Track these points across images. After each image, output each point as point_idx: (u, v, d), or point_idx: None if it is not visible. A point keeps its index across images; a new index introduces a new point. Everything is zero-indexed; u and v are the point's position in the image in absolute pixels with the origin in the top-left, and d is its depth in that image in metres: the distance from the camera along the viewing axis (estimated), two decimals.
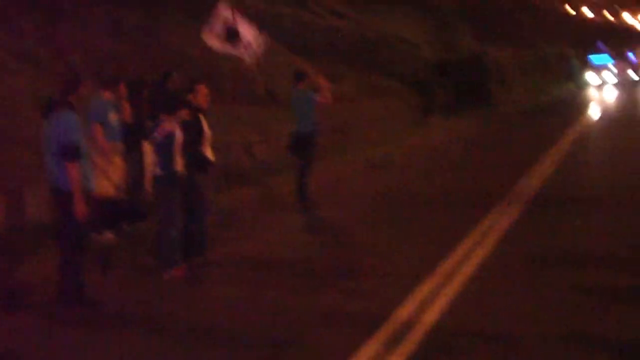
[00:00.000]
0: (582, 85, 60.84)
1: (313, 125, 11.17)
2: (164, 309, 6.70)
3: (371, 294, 6.61)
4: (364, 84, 21.62)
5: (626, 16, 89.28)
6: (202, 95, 8.14)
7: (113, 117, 8.96)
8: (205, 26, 11.14)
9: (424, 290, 6.52)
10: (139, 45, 15.14)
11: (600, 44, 69.98)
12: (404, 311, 5.95)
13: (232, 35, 11.00)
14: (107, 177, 8.58)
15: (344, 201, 12.08)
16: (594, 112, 29.07)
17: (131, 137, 9.14)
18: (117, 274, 7.84)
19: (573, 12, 74.74)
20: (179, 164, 7.56)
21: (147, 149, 8.64)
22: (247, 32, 11.21)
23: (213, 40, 11.11)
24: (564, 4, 71.08)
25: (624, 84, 62.15)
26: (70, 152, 6.41)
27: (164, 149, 7.46)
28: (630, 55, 67.93)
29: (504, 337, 5.37)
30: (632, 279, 6.37)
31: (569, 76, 59.15)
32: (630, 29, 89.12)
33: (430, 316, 5.81)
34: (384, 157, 17.03)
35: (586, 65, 64.95)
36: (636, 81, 63.66)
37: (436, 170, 15.35)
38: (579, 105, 37.94)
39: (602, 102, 37.20)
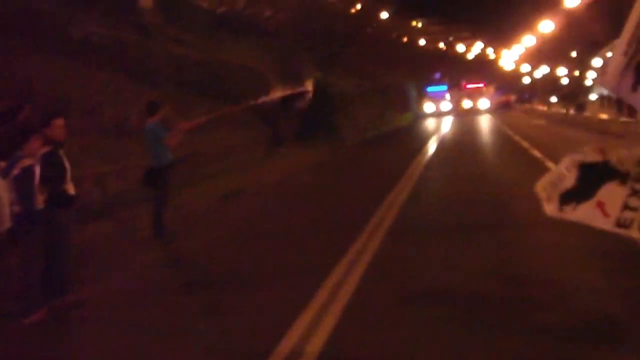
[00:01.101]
0: (420, 114, 63.67)
1: (168, 157, 11.10)
2: (22, 357, 6.46)
3: (247, 330, 6.49)
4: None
5: (460, 47, 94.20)
6: (58, 128, 7.90)
7: None
8: None
9: (304, 321, 6.48)
10: None
11: (437, 75, 73.74)
12: (286, 344, 5.96)
13: None
14: None
15: (202, 233, 12.01)
16: (435, 141, 30.45)
17: None
18: None
19: (422, 43, 78.03)
20: (39, 201, 7.31)
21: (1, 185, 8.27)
22: None
23: None
24: (402, 35, 74.02)
25: (461, 113, 65.53)
26: None
27: (23, 186, 7.20)
28: (471, 86, 71.89)
29: None
30: (496, 311, 6.44)
31: (407, 106, 61.46)
32: (464, 59, 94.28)
33: (313, 347, 5.84)
34: (238, 187, 17.16)
35: (424, 95, 68.25)
36: (477, 109, 67.42)
37: (292, 200, 15.69)
38: (420, 134, 39.77)
39: (441, 131, 39.06)
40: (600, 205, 5.39)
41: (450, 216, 11.77)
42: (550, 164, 16.38)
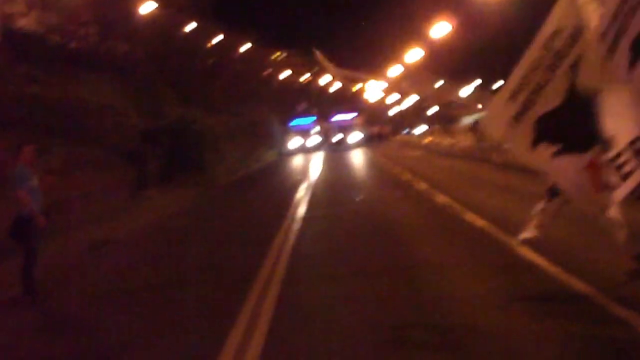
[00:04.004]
0: (285, 151, 62.70)
1: (39, 204, 10.53)
2: None
3: None
4: (72, 157, 20.82)
5: (325, 79, 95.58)
6: None
7: None
8: None
9: None
10: None
11: (302, 106, 73.59)
12: None
13: None
14: None
15: (75, 288, 11.46)
16: (307, 177, 30.43)
17: None
18: None
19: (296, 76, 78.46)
20: None
21: None
22: None
23: None
24: (263, 68, 74.32)
25: (331, 147, 65.25)
26: None
27: None
28: (342, 118, 71.42)
29: None
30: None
31: (272, 142, 60.73)
32: (327, 91, 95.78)
33: None
34: (106, 236, 16.52)
35: (289, 130, 67.08)
36: (349, 143, 67.19)
37: (166, 248, 15.12)
38: (291, 171, 39.85)
39: (310, 167, 39.19)
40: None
41: (345, 260, 11.33)
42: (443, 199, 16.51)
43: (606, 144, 6.24)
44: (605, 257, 8.44)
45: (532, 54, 6.77)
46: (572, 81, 6.56)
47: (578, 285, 7.82)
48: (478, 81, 74.92)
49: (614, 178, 6.24)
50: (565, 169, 6.73)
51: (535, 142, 6.82)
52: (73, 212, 18.48)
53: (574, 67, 6.53)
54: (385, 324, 7.40)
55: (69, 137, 21.52)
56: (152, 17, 40.01)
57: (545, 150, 6.79)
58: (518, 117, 6.88)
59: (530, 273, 8.59)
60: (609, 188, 6.33)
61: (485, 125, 7.49)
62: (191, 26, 48.98)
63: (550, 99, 6.70)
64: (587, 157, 6.49)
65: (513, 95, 6.89)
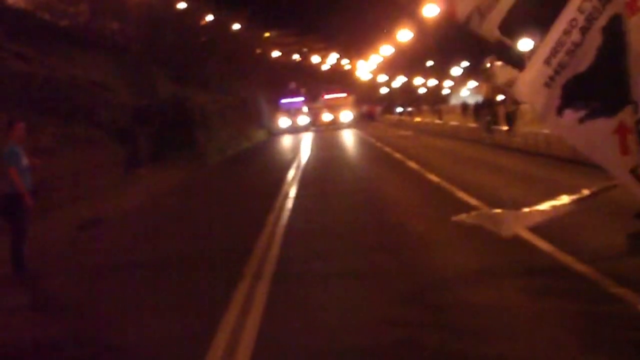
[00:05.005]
0: (275, 130, 62.01)
1: (28, 182, 10.32)
2: None
3: None
4: (63, 135, 20.55)
5: (315, 59, 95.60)
6: None
7: None
8: None
9: None
10: None
11: (291, 85, 72.82)
12: None
13: None
14: None
15: (64, 269, 11.19)
16: (297, 158, 30.17)
17: None
18: None
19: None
20: None
21: None
22: None
23: None
24: (255, 47, 73.85)
25: (322, 128, 64.83)
26: None
27: None
28: (332, 97, 70.69)
29: None
30: None
31: (262, 121, 60.10)
32: (319, 71, 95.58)
33: None
34: (95, 216, 16.25)
35: (279, 108, 66.24)
36: (340, 123, 66.79)
37: (157, 229, 14.80)
38: (282, 150, 39.70)
39: (301, 147, 39.00)
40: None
41: (343, 240, 11.17)
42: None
43: (636, 106, 6.15)
44: (598, 236, 8.41)
45: (566, 16, 6.64)
46: (603, 43, 6.44)
47: (573, 263, 7.81)
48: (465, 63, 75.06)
49: None
50: (591, 134, 6.61)
51: (561, 108, 6.72)
52: (63, 190, 18.21)
53: (605, 29, 6.41)
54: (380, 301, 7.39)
55: (60, 115, 21.25)
56: None
57: (572, 116, 6.70)
58: (549, 83, 6.79)
59: (524, 250, 8.56)
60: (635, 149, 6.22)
61: (519, 90, 7.33)
62: (182, 5, 48.69)
63: (580, 62, 6.59)
64: (616, 120, 6.34)
65: (547, 59, 6.78)
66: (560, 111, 6.76)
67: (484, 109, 32.15)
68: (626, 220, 8.16)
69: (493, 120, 29.34)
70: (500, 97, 28.43)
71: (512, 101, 24.22)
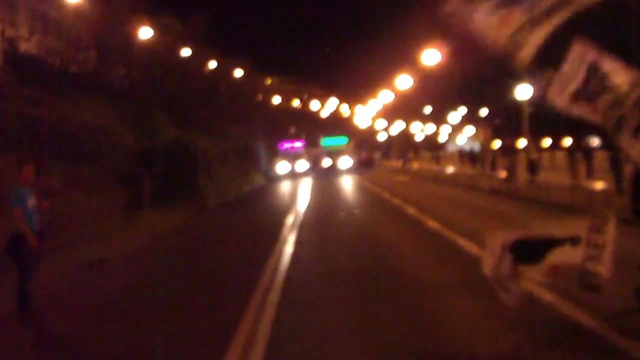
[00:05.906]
0: (273, 175, 61.86)
1: (35, 223, 10.60)
2: None
3: None
4: (70, 177, 21.06)
5: (315, 104, 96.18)
6: None
7: None
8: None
9: None
10: None
11: (291, 130, 73.32)
12: None
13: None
14: None
15: (69, 310, 11.36)
16: (298, 203, 30.66)
17: None
18: None
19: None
20: None
21: None
22: None
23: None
24: (256, 93, 74.57)
25: (321, 172, 64.66)
26: None
27: None
28: (332, 142, 70.74)
29: None
30: None
31: (261, 166, 60.06)
32: (318, 117, 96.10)
33: None
34: (100, 256, 16.55)
35: (277, 154, 66.13)
36: (338, 169, 66.76)
37: (157, 272, 15.17)
38: (281, 195, 39.91)
39: (300, 192, 39.25)
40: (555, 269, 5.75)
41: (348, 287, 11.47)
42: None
43: None
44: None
45: None
46: None
47: (581, 317, 7.98)
48: (463, 109, 75.49)
49: None
50: None
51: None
52: (70, 230, 18.68)
53: None
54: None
55: (68, 157, 21.77)
56: (149, 43, 40.51)
57: None
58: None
59: (531, 304, 8.43)
60: None
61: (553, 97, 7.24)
62: (187, 52, 49.51)
63: None
64: None
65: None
66: (636, 134, 6.66)
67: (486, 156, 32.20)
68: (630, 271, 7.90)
69: (511, 169, 29.42)
70: (522, 144, 28.32)
71: (535, 149, 24.17)
